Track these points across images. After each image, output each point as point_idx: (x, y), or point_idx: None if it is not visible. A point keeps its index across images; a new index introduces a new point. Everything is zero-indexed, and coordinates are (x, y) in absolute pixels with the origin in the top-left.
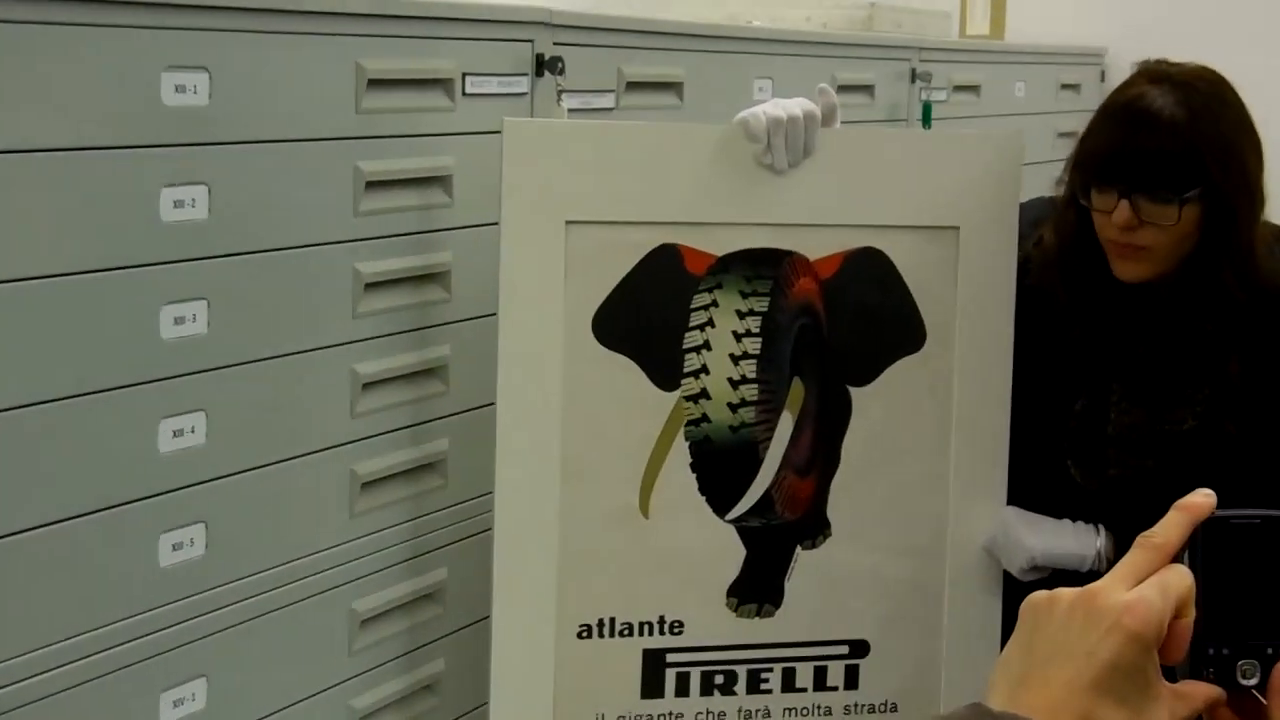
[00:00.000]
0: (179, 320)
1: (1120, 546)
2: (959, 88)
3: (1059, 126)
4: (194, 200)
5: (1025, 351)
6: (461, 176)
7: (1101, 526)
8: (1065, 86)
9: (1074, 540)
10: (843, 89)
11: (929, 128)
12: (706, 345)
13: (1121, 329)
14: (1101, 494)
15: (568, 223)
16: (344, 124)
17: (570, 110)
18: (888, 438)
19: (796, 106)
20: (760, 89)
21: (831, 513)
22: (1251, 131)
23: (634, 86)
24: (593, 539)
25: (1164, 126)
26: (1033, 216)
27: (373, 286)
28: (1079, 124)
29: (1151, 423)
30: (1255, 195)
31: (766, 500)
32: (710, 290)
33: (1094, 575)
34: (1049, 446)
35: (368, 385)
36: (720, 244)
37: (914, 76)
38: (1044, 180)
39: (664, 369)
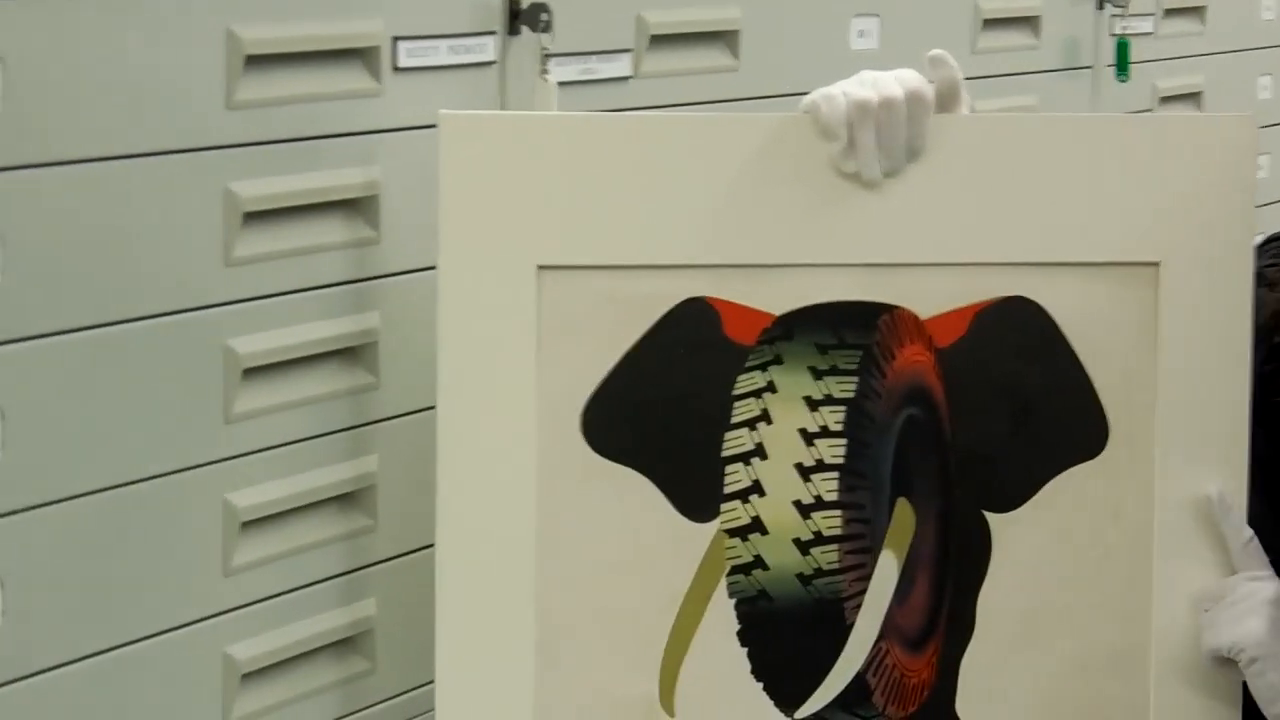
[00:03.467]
0: None
1: None
2: (1173, 10)
3: None
4: None
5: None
6: (395, 197)
7: None
8: None
9: None
10: (992, 24)
11: (1125, 78)
12: (760, 452)
13: None
14: None
15: (540, 268)
16: (209, 125)
17: (561, 84)
18: (1049, 590)
19: (895, 83)
20: (861, 34)
21: (963, 707)
22: None
23: (662, 42)
24: None
25: None
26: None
27: (255, 373)
28: None
29: None
30: None
31: (860, 688)
32: (765, 368)
33: None
34: None
35: (249, 524)
36: (779, 297)
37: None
38: None
39: (694, 488)
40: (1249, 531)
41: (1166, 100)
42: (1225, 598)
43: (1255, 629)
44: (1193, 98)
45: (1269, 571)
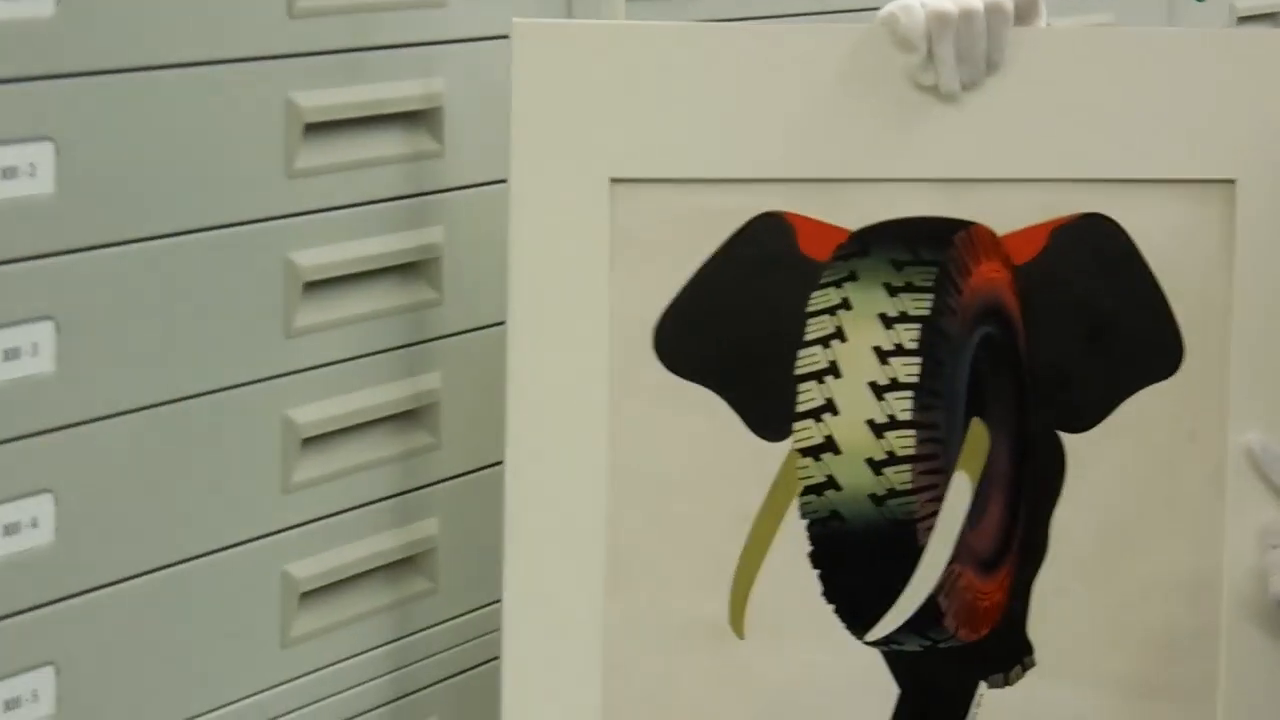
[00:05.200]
0: (9, 354)
1: None
2: None
3: None
4: (32, 167)
5: None
6: (459, 111)
7: None
8: None
9: None
10: None
11: None
12: (833, 370)
13: None
14: None
15: (613, 181)
16: (270, 33)
17: None
18: (1122, 512)
19: None
20: None
21: (1035, 630)
22: None
23: None
24: (657, 670)
25: None
26: None
27: (317, 286)
28: None
29: None
30: None
31: (931, 611)
32: (839, 284)
33: None
34: None
35: (309, 441)
36: (854, 212)
37: None
38: None
39: (766, 407)
40: None
41: (1244, 19)
42: None
43: None
44: (1273, 16)
45: None
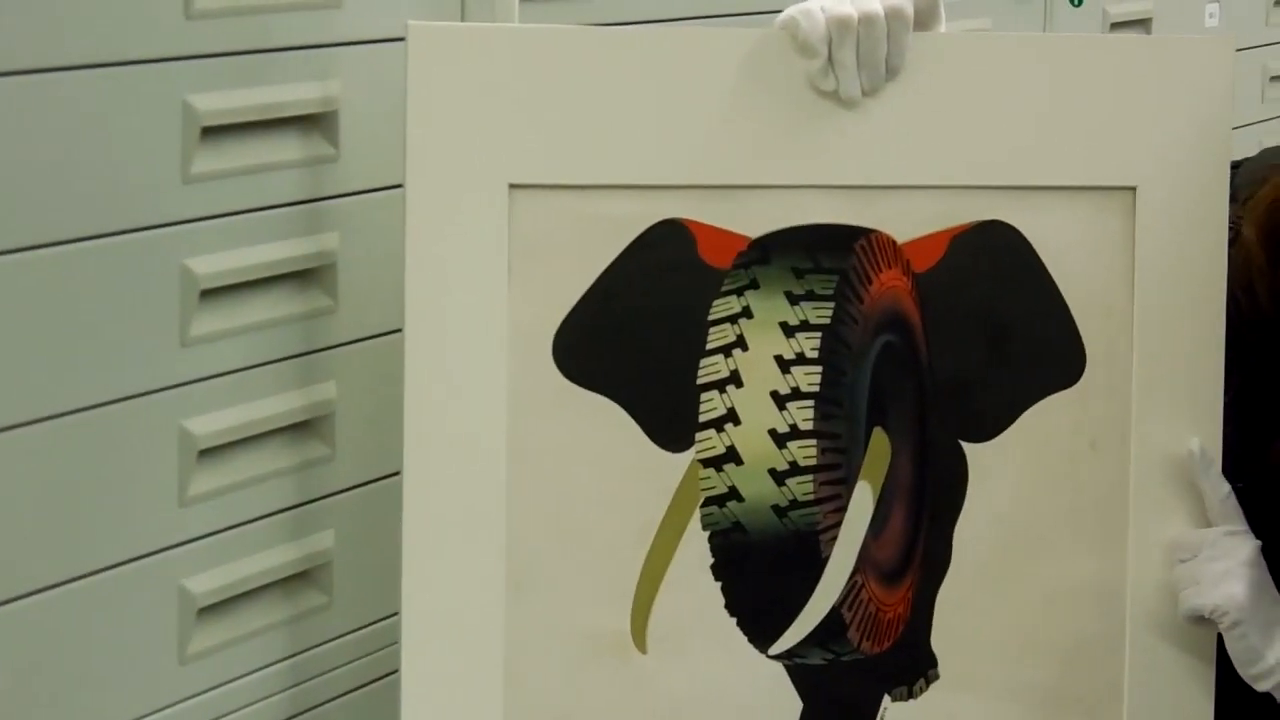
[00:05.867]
0: None
1: None
2: None
3: (1272, 67)
4: None
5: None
6: (355, 114)
7: None
8: None
9: None
10: None
11: (1079, 3)
12: (734, 379)
13: None
14: None
15: (511, 187)
16: (166, 35)
17: None
18: (1025, 522)
19: (875, 0)
20: None
21: (938, 641)
22: None
23: None
24: (559, 684)
25: None
26: (1247, 180)
27: (213, 294)
28: None
29: None
30: None
31: (834, 623)
32: (740, 292)
33: None
34: (1254, 501)
35: (206, 453)
36: (755, 219)
37: None
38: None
39: (667, 417)
40: (1227, 486)
41: (1116, 26)
42: (1202, 552)
43: (1236, 593)
44: (1142, 24)
45: (1245, 527)
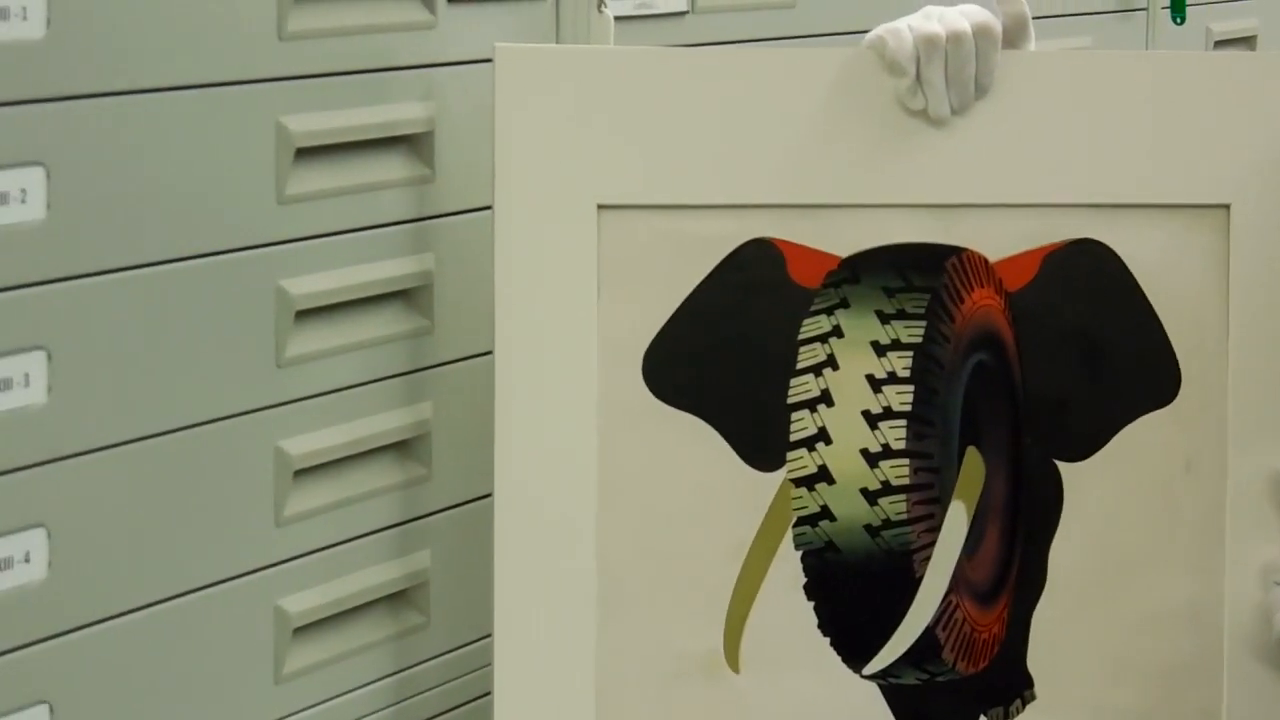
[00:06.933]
0: (1, 385)
1: None
2: None
3: None
4: (23, 193)
5: None
6: (450, 134)
7: None
8: None
9: None
10: None
11: (1181, 20)
12: (826, 398)
13: None
14: None
15: (600, 208)
16: (260, 57)
17: (617, 19)
18: (1120, 542)
19: (961, 18)
20: None
21: (1035, 662)
22: None
23: None
24: (651, 704)
25: None
26: None
27: (308, 315)
28: None
29: None
30: None
31: (929, 643)
32: (830, 311)
33: None
34: None
35: (301, 473)
36: (844, 238)
37: None
38: None
39: (758, 436)
40: None
41: (1220, 43)
42: None
43: None
44: (1247, 41)
45: None
